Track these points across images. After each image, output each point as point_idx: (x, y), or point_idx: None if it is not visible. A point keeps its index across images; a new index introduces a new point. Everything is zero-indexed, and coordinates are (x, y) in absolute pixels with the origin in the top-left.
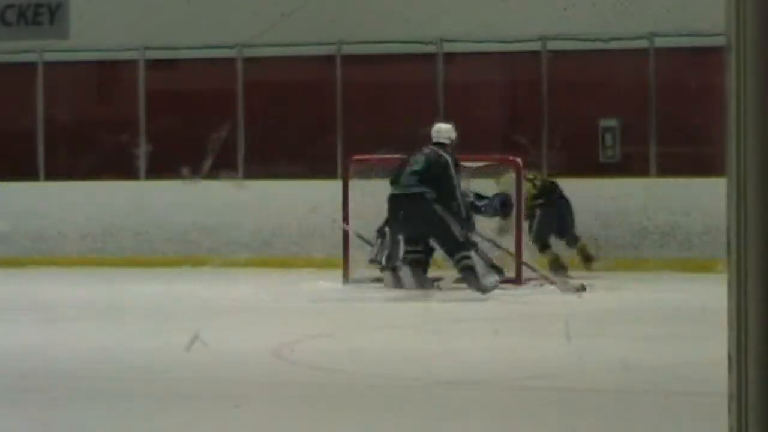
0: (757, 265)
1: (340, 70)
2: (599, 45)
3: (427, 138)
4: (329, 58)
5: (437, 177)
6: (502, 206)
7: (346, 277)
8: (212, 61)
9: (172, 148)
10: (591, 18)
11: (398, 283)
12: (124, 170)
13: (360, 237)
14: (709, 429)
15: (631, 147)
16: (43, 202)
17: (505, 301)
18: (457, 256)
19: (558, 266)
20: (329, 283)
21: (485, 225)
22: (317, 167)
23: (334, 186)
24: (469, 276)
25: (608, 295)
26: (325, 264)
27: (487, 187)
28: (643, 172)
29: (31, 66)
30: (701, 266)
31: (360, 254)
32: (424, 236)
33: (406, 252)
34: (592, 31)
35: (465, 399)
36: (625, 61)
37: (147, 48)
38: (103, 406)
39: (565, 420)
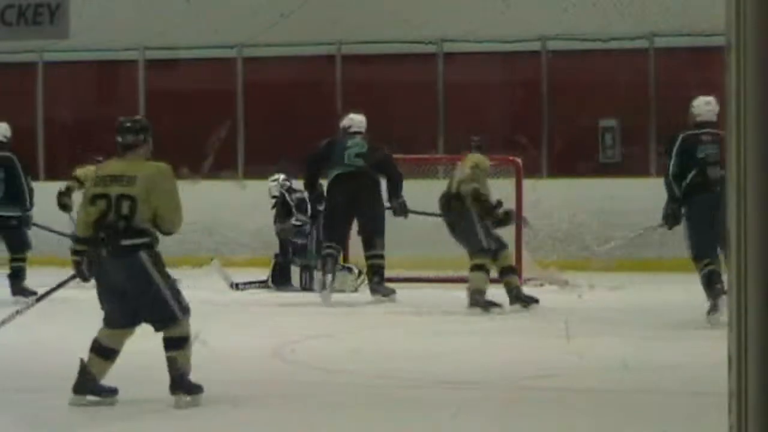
0: (757, 265)
1: (340, 70)
2: (599, 45)
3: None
4: (329, 58)
5: (380, 165)
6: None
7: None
8: (212, 61)
9: (171, 148)
10: (591, 18)
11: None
12: None
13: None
14: (709, 429)
15: (631, 147)
16: (44, 202)
17: (505, 301)
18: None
19: None
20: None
21: None
22: None
23: None
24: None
25: (608, 295)
26: None
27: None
28: (643, 172)
29: (31, 66)
30: None
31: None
32: (364, 225)
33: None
34: (592, 31)
35: (465, 399)
36: (625, 61)
37: (147, 48)
38: (102, 406)
39: (565, 420)
